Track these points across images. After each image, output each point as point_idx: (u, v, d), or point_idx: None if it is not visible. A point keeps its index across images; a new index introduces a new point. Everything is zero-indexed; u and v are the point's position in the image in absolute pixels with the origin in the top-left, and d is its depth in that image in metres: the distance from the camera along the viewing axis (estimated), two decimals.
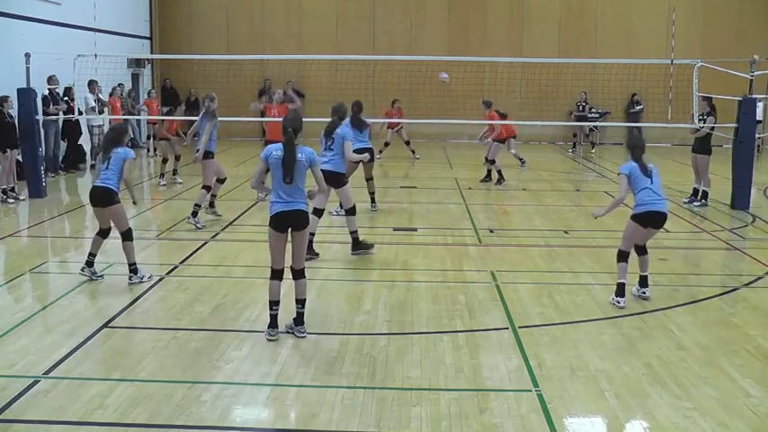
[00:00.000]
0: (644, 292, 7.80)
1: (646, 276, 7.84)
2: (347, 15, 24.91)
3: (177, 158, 15.67)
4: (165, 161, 15.62)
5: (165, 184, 15.21)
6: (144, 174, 18.24)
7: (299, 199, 6.49)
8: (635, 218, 7.61)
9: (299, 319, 6.62)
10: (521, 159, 17.36)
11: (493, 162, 15.50)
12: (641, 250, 7.86)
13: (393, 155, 19.75)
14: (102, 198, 8.15)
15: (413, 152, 19.64)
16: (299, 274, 6.58)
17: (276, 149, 6.45)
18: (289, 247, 6.56)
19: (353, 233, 9.48)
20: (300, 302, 6.62)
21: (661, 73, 20.28)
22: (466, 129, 21.63)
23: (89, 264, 8.31)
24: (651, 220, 7.59)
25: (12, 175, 13.42)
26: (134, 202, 8.94)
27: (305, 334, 6.57)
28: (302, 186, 6.53)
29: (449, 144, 23.24)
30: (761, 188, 15.15)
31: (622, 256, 7.64)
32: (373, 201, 12.61)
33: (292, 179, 6.35)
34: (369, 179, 12.58)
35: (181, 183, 15.35)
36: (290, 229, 6.48)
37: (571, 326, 7.03)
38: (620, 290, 7.56)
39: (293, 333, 6.58)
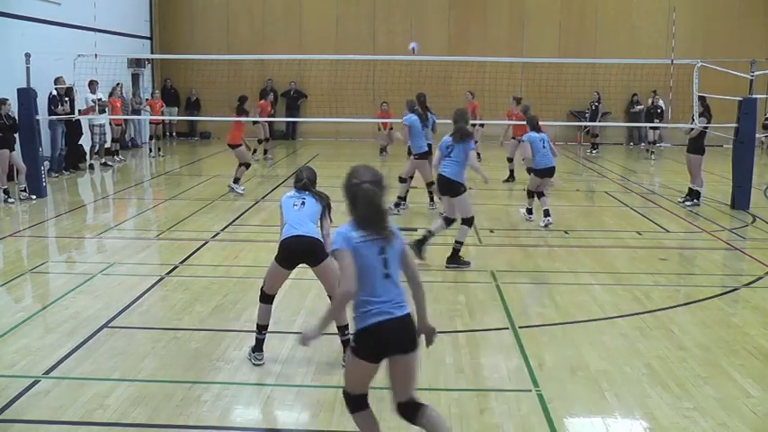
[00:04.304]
0: (548, 219, 11.33)
1: (547, 209, 11.42)
2: (347, 15, 24.90)
3: (247, 166, 14.33)
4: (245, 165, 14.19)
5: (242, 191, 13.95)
6: (147, 174, 18.27)
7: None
8: (536, 173, 11.60)
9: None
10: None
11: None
12: (540, 194, 11.49)
13: (395, 153, 19.73)
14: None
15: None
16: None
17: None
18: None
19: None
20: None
21: (661, 73, 20.33)
22: None
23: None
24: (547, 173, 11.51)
25: (22, 175, 13.43)
26: None
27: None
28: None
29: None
30: (761, 188, 15.15)
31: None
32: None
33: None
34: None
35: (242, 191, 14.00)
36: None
37: (571, 326, 7.03)
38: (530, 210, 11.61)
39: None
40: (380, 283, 4.05)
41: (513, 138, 16.10)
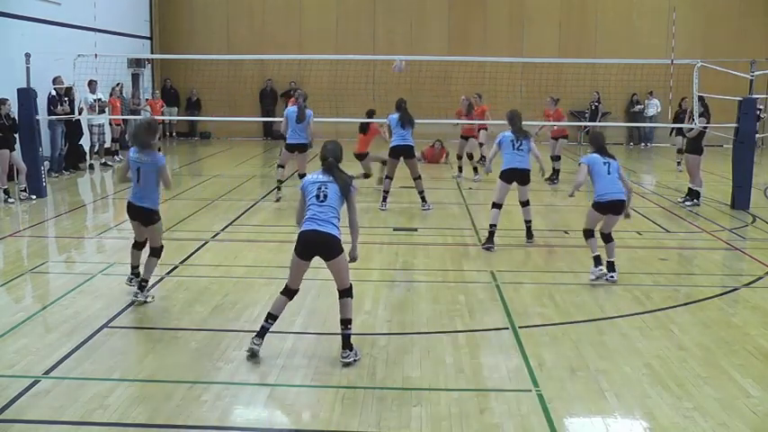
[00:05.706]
0: (612, 276, 8.40)
1: (612, 262, 8.47)
2: (348, 15, 24.91)
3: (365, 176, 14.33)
4: (366, 176, 14.27)
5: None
6: None
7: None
8: (595, 206, 8.46)
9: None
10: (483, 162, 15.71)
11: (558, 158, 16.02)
12: (607, 237, 8.53)
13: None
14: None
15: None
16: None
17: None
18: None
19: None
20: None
21: (661, 73, 20.30)
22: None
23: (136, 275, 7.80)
24: (611, 207, 8.40)
25: (23, 175, 13.43)
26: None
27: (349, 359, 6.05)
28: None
29: (449, 144, 23.21)
30: (761, 188, 15.15)
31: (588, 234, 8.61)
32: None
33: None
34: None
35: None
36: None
37: (571, 326, 7.03)
38: (597, 260, 8.49)
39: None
40: (135, 183, 7.42)
41: (553, 138, 16.16)
